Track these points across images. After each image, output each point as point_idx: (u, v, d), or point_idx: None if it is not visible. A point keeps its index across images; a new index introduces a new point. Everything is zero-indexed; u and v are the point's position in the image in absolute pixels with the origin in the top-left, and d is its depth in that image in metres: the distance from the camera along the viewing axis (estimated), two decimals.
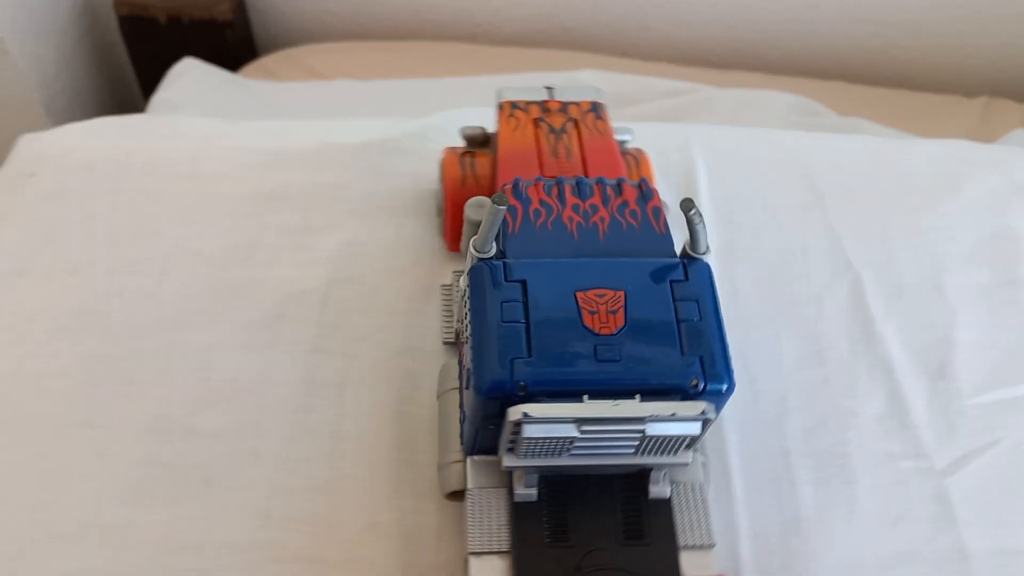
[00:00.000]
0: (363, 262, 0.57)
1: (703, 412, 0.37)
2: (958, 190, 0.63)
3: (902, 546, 0.48)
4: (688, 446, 0.40)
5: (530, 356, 0.38)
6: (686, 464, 0.41)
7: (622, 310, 0.39)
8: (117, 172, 0.62)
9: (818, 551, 0.48)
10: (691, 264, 0.41)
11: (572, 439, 0.38)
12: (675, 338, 0.39)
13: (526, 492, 0.42)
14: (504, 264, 0.40)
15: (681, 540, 0.42)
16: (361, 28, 1.17)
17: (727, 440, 0.51)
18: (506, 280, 0.40)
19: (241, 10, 1.15)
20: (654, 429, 0.37)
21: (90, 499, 0.48)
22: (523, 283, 0.40)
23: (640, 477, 0.43)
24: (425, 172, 0.61)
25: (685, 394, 0.38)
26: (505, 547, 0.41)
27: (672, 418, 0.37)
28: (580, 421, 0.37)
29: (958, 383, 0.54)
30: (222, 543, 0.47)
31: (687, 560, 0.41)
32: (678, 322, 0.39)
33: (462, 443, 0.44)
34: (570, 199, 0.44)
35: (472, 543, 0.42)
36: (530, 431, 0.37)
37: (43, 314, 0.54)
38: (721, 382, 0.38)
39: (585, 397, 0.37)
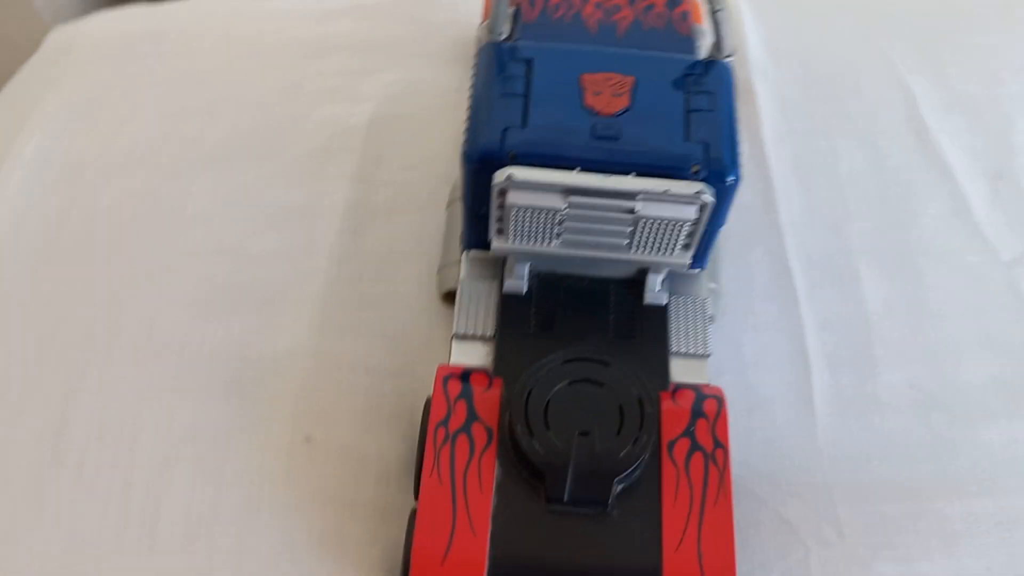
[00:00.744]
0: (406, 100, 0.57)
1: (698, 193, 0.35)
2: (1007, 12, 0.62)
3: (976, 332, 0.47)
4: (686, 245, 0.38)
5: (524, 127, 0.37)
6: (684, 265, 0.40)
7: (628, 94, 0.38)
8: (154, 38, 0.62)
9: (889, 338, 0.47)
10: (711, 63, 0.40)
11: (560, 214, 0.37)
12: (680, 124, 0.37)
13: (516, 283, 0.41)
14: (513, 45, 0.40)
15: (673, 346, 0.40)
16: None
17: (786, 244, 0.50)
18: (512, 59, 0.39)
19: None
20: (647, 209, 0.36)
21: (147, 316, 0.47)
22: (528, 62, 0.39)
23: (637, 284, 0.42)
24: (461, 20, 0.61)
25: (687, 179, 0.36)
26: (489, 333, 0.40)
27: (665, 196, 0.36)
28: (568, 190, 0.36)
29: (1018, 182, 0.53)
30: (277, 353, 0.46)
31: (677, 365, 0.40)
32: (687, 112, 0.38)
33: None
34: None
35: (457, 327, 0.41)
36: (515, 198, 0.36)
37: (92, 159, 0.54)
38: (725, 170, 0.36)
39: (577, 170, 0.36)
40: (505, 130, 0.36)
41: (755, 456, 0.44)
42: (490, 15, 0.39)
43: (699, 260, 0.40)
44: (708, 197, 0.36)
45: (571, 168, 0.36)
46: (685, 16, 0.42)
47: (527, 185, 0.36)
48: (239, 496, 0.42)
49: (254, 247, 0.50)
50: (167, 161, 0.54)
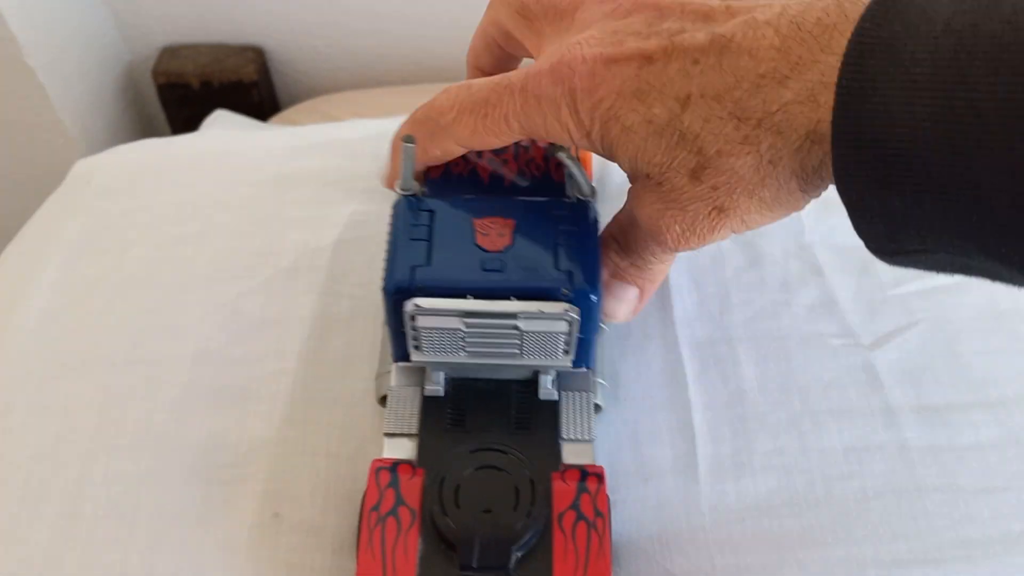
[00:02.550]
0: (368, 227, 0.68)
1: (566, 311, 0.46)
2: None
3: (835, 405, 0.56)
4: (565, 351, 0.49)
5: (428, 265, 0.47)
6: (567, 366, 0.50)
7: (510, 234, 0.48)
8: (159, 171, 0.74)
9: (760, 414, 0.56)
10: (576, 204, 0.50)
11: (460, 332, 0.47)
12: (552, 256, 0.47)
13: (434, 388, 0.52)
14: (418, 198, 0.50)
15: (563, 433, 0.50)
16: (370, 79, 1.31)
17: (679, 334, 0.60)
18: (419, 210, 0.49)
19: (265, 72, 1.30)
20: (528, 325, 0.47)
21: (142, 417, 0.58)
22: (431, 212, 0.49)
23: (533, 383, 0.52)
24: None
25: (557, 300, 0.46)
26: (414, 430, 0.50)
27: (540, 315, 0.46)
28: (463, 314, 0.46)
29: (880, 278, 0.62)
30: (253, 441, 0.56)
31: (566, 449, 0.50)
32: (556, 246, 0.48)
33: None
34: (486, 153, 0.54)
35: (387, 426, 0.51)
36: (423, 322, 0.47)
37: (102, 281, 0.65)
38: (587, 291, 0.46)
39: (470, 297, 0.46)
40: (413, 268, 0.47)
41: (648, 520, 0.53)
42: (402, 175, 0.50)
43: (581, 360, 0.50)
44: (574, 315, 0.46)
45: (465, 296, 0.46)
46: (559, 166, 0.52)
47: (432, 312, 0.46)
48: (221, 566, 0.51)
49: (236, 352, 0.60)
50: (165, 280, 0.65)
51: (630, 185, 0.48)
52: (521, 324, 0.46)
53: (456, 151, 0.50)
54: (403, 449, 0.50)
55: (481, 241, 0.48)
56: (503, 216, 0.49)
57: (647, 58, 0.42)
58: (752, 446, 0.56)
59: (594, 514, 0.47)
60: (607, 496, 0.48)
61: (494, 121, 0.47)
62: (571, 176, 0.49)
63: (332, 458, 0.55)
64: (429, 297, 0.46)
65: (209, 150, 0.78)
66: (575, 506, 0.47)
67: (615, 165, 0.46)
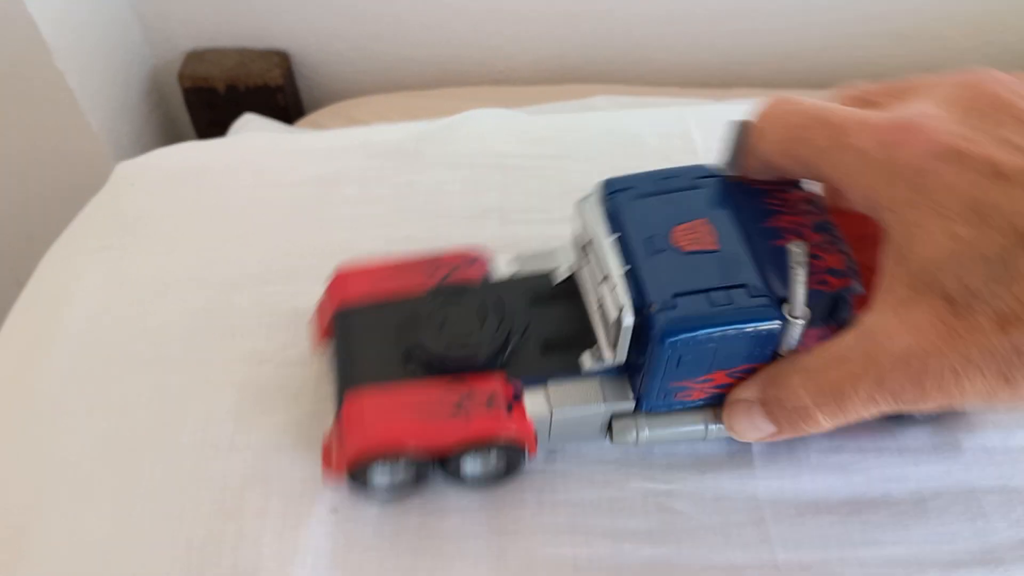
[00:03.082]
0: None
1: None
2: None
3: None
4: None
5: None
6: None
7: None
8: (200, 173, 0.74)
9: None
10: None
11: None
12: None
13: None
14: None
15: None
16: (394, 83, 1.31)
17: None
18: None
19: (290, 76, 1.30)
20: None
21: (200, 417, 0.58)
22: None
23: None
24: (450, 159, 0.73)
25: None
26: None
27: None
28: None
29: None
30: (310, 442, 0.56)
31: None
32: None
33: None
34: None
35: None
36: None
37: (151, 281, 0.65)
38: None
39: None
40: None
41: (708, 511, 0.53)
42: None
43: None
44: None
45: None
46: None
47: None
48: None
49: (291, 353, 0.61)
50: (215, 280, 0.65)
51: (882, 296, 0.45)
52: None
53: None
54: None
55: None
56: None
57: (998, 172, 0.37)
58: (808, 443, 0.56)
59: None
60: None
61: None
62: (793, 283, 0.48)
63: None
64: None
65: (247, 152, 0.78)
66: None
67: None
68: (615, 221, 0.54)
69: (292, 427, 0.57)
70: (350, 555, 0.52)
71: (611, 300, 0.50)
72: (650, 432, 0.55)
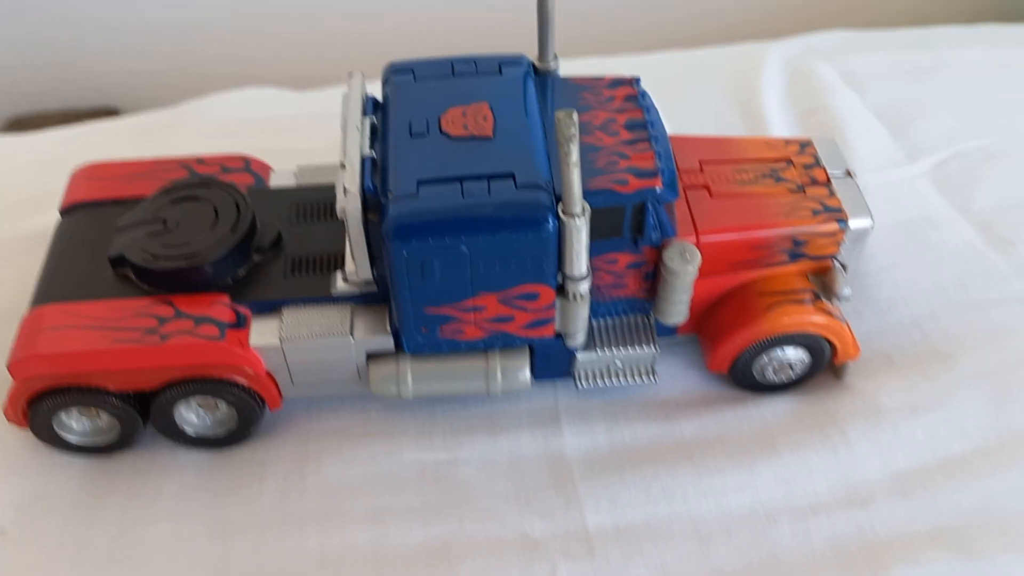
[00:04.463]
0: None
1: None
2: None
3: None
4: None
5: None
6: None
7: None
8: None
9: None
10: None
11: None
12: None
13: None
14: None
15: None
16: None
17: None
18: None
19: None
20: None
21: None
22: None
23: None
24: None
25: None
26: None
27: None
28: None
29: None
30: None
31: None
32: None
33: None
34: None
35: None
36: None
37: None
38: None
39: None
40: None
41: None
42: None
43: None
44: None
45: None
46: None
47: None
48: None
49: None
50: None
51: None
52: None
53: None
54: None
55: None
56: None
57: None
58: (628, 393, 0.45)
59: None
60: None
61: None
62: (563, 167, 0.37)
63: None
64: None
65: None
66: None
67: None
68: (386, 105, 0.43)
69: None
70: None
71: (341, 190, 0.39)
72: (415, 382, 0.43)
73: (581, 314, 0.42)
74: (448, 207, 0.38)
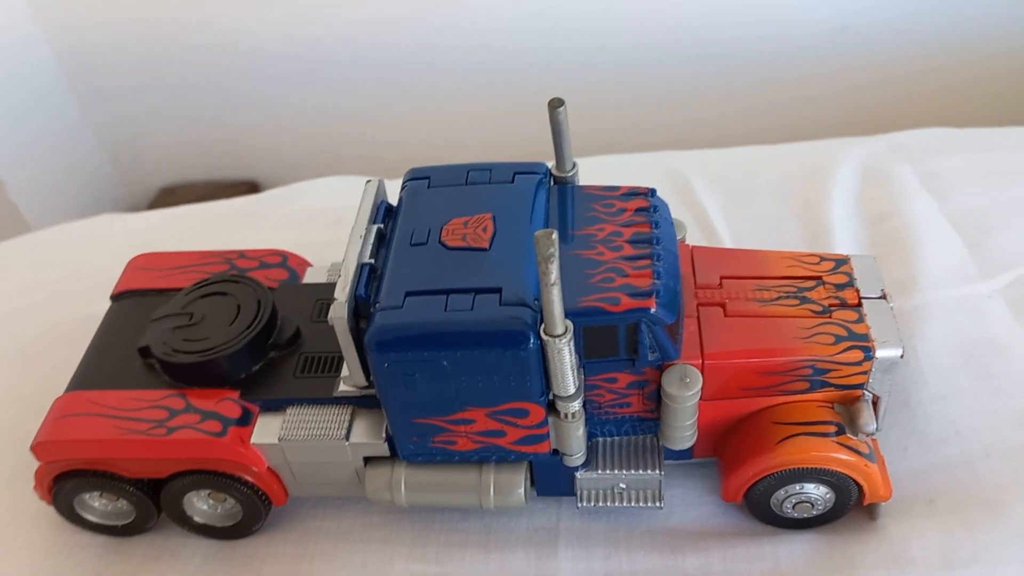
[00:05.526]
0: None
1: None
2: None
3: None
4: None
5: None
6: None
7: None
8: None
9: None
10: None
11: None
12: None
13: None
14: None
15: None
16: None
17: None
18: None
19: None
20: None
21: None
22: None
23: None
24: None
25: None
26: None
27: None
28: None
29: None
30: None
31: None
32: None
33: None
34: None
35: None
36: None
37: None
38: None
39: None
40: None
41: None
42: None
43: None
44: None
45: None
46: None
47: None
48: None
49: None
50: None
51: None
52: None
53: None
54: None
55: None
56: None
57: None
58: (633, 519, 0.42)
59: None
60: None
61: None
62: (542, 287, 0.36)
63: None
64: None
65: None
66: None
67: None
68: (397, 212, 0.44)
69: None
70: None
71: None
72: (408, 490, 0.42)
73: (575, 433, 0.40)
74: (429, 321, 0.38)
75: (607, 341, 0.39)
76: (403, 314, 0.38)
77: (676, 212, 0.53)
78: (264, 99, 1.20)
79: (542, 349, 0.37)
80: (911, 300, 0.50)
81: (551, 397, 0.39)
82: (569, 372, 0.37)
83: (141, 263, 0.53)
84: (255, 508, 0.44)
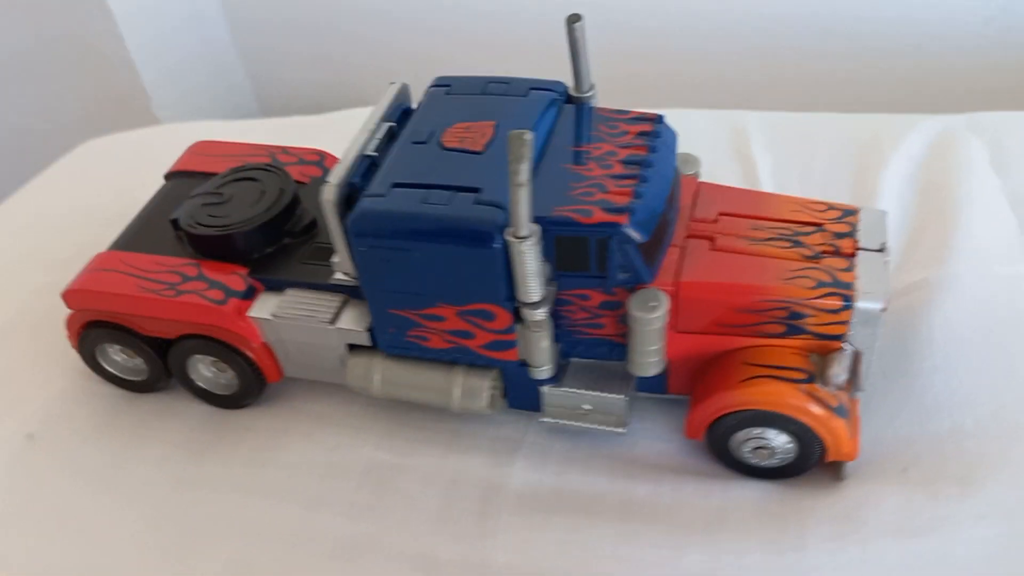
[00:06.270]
0: None
1: None
2: None
3: None
4: None
5: None
6: None
7: None
8: (147, 153, 0.73)
9: None
10: None
11: None
12: None
13: None
14: None
15: None
16: None
17: None
18: None
19: None
20: None
21: None
22: None
23: None
24: None
25: None
26: None
27: None
28: None
29: None
30: None
31: None
32: None
33: None
34: None
35: None
36: None
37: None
38: None
39: None
40: None
41: None
42: None
43: None
44: None
45: None
46: None
47: None
48: None
49: None
50: None
51: None
52: None
53: None
54: None
55: None
56: None
57: None
58: (598, 440, 0.42)
59: None
60: None
61: None
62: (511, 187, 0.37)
63: None
64: None
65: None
66: None
67: None
68: (415, 114, 0.45)
69: None
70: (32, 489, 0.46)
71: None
72: (382, 382, 0.44)
73: (539, 344, 0.40)
74: (405, 211, 0.39)
75: (579, 254, 0.39)
76: (385, 202, 0.40)
77: (725, 166, 0.52)
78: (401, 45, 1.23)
79: (507, 251, 0.38)
80: (940, 270, 0.47)
81: (517, 304, 0.39)
82: (532, 278, 0.38)
83: (198, 149, 0.57)
84: (250, 381, 0.47)
